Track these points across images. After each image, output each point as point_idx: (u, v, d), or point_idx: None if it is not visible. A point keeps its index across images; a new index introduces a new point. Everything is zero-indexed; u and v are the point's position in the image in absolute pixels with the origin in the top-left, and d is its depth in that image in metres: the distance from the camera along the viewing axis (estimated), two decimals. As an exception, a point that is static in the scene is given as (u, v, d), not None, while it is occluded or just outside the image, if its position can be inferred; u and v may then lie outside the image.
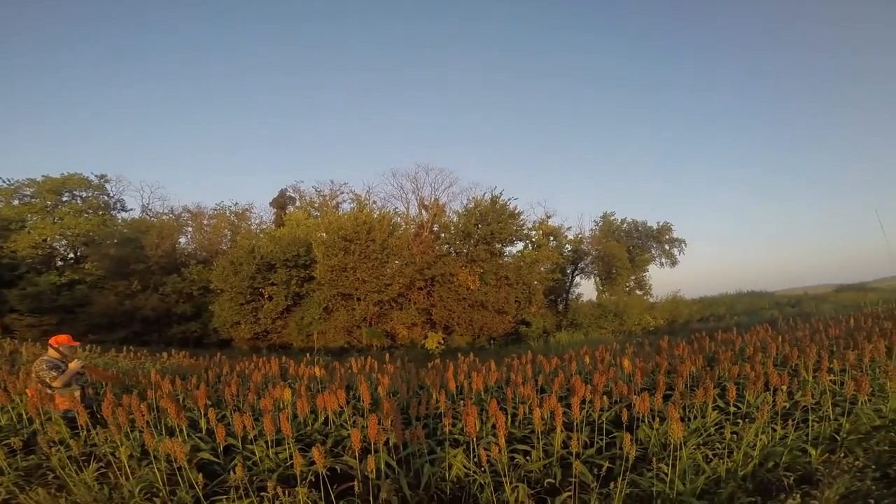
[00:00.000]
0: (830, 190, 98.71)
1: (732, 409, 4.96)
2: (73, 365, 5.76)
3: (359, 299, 25.21)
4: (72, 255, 32.83)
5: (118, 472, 4.03)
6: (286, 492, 3.55)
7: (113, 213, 34.67)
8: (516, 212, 27.39)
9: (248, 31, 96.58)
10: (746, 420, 4.67)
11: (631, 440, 3.67)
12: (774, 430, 4.43)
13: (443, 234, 28.88)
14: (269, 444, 4.45)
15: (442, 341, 24.49)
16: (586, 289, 52.14)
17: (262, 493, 3.63)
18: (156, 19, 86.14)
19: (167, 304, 28.50)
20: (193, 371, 9.35)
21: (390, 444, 4.34)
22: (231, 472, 3.74)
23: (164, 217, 36.38)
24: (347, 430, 4.97)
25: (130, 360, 12.55)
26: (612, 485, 3.61)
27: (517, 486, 3.70)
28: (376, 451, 3.85)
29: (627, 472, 3.66)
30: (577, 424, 4.49)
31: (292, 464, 3.51)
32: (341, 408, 5.25)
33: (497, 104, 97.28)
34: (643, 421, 4.73)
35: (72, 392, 5.59)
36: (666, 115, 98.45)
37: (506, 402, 5.52)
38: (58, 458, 4.19)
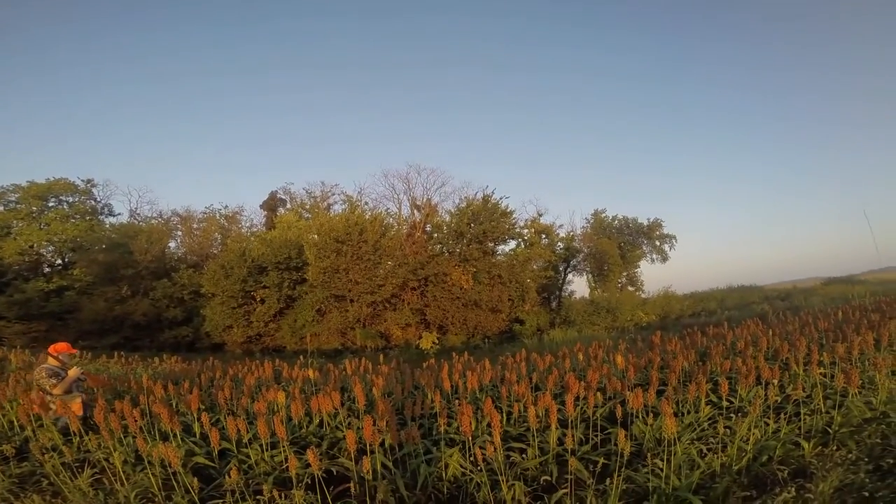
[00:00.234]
0: (818, 183, 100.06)
1: (725, 403, 5.01)
2: (73, 372, 5.80)
3: (352, 301, 25.12)
4: (59, 261, 32.42)
5: (113, 478, 3.99)
6: (282, 495, 3.54)
7: (100, 218, 34.31)
8: (508, 210, 27.46)
9: (235, 32, 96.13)
10: (739, 414, 4.70)
11: (625, 436, 3.69)
12: (767, 424, 4.47)
13: (435, 234, 28.88)
14: (265, 447, 4.43)
15: (436, 341, 24.48)
16: (579, 286, 52.55)
17: (258, 497, 3.62)
18: (142, 21, 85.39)
19: (158, 309, 28.26)
20: (186, 376, 9.28)
21: (386, 444, 4.34)
22: (226, 476, 3.72)
23: (152, 221, 36.07)
24: (343, 431, 4.95)
25: (122, 365, 12.41)
26: (608, 481, 3.62)
27: (514, 485, 3.70)
28: (372, 452, 3.85)
29: (623, 468, 3.68)
30: (571, 421, 4.51)
31: (288, 466, 3.49)
32: (336, 410, 5.24)
33: (488, 103, 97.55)
34: (637, 417, 4.76)
35: (72, 399, 5.60)
36: (654, 112, 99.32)
37: (501, 401, 5.53)
38: (51, 465, 4.15)
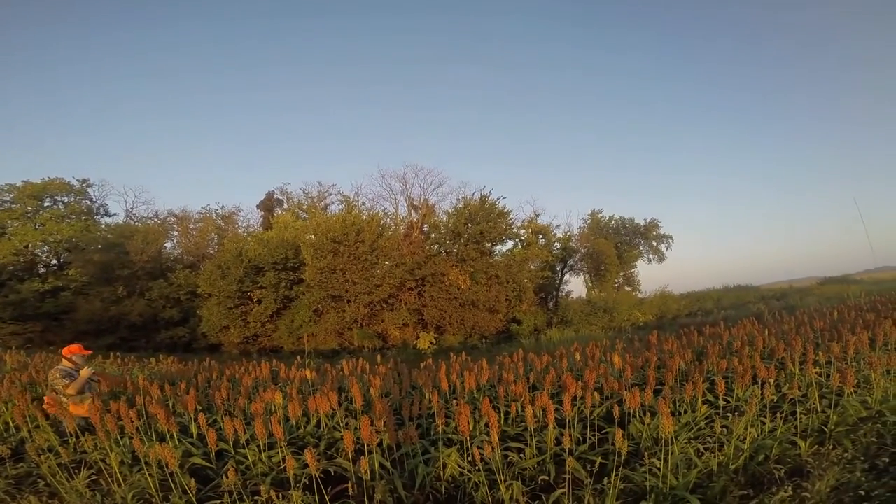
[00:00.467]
0: (814, 183, 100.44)
1: (722, 402, 5.02)
2: (84, 372, 5.88)
3: (349, 301, 25.09)
4: (55, 261, 32.20)
5: (110, 479, 3.98)
6: (280, 495, 3.53)
7: (96, 218, 34.06)
8: (505, 210, 27.51)
9: (232, 29, 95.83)
10: (736, 413, 4.72)
11: (623, 436, 3.70)
12: (763, 423, 4.49)
13: (433, 234, 28.87)
14: (262, 447, 4.42)
15: (434, 341, 24.47)
16: (576, 286, 52.64)
17: (256, 498, 3.61)
18: (139, 20, 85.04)
19: (154, 310, 28.15)
20: (182, 376, 9.24)
21: (384, 445, 4.34)
22: (224, 477, 3.71)
23: (148, 221, 35.96)
24: (340, 432, 4.95)
25: (118, 366, 12.36)
26: (605, 480, 3.63)
27: (511, 484, 3.70)
28: (370, 452, 3.84)
29: (620, 468, 3.69)
30: (569, 421, 4.52)
31: (286, 467, 3.49)
32: (333, 410, 5.23)
33: (486, 102, 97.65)
34: (634, 416, 4.77)
35: (84, 399, 5.69)
36: (651, 112, 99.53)
37: (498, 401, 5.53)
38: (48, 466, 4.13)
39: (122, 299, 28.34)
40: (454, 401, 5.98)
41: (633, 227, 39.22)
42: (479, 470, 3.79)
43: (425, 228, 29.41)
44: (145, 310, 27.83)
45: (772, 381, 5.08)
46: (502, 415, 5.19)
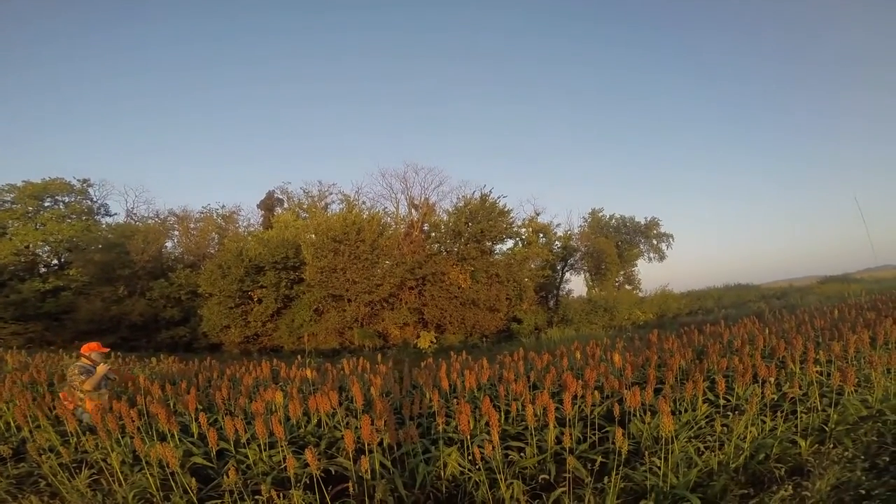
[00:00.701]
0: (815, 182, 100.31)
1: (722, 401, 5.02)
2: (101, 369, 6.04)
3: (349, 300, 25.10)
4: (55, 261, 32.25)
5: (111, 479, 3.99)
6: (281, 494, 3.54)
7: (97, 218, 34.11)
8: (506, 209, 27.48)
9: (232, 27, 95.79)
10: (736, 412, 4.72)
11: (623, 434, 3.71)
12: (764, 422, 4.49)
13: (433, 234, 28.85)
14: (263, 447, 4.42)
15: (434, 340, 24.47)
16: (576, 285, 52.61)
17: (256, 497, 3.61)
18: (140, 18, 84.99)
19: (155, 309, 28.18)
20: (183, 376, 9.26)
21: (384, 444, 4.34)
22: (225, 476, 3.71)
23: (149, 221, 35.93)
24: (341, 431, 4.95)
25: (119, 366, 12.37)
26: (606, 479, 3.63)
27: (512, 483, 3.71)
28: (370, 451, 3.84)
29: (621, 467, 3.69)
30: (569, 420, 4.52)
31: (286, 466, 3.49)
32: (334, 409, 5.24)
33: (486, 100, 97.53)
34: (635, 415, 4.77)
35: (101, 395, 5.89)
36: (651, 108, 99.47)
37: (499, 400, 5.53)
38: (49, 466, 4.14)
39: (122, 299, 28.38)
40: (455, 400, 5.98)
41: (634, 225, 39.22)
42: (479, 469, 3.79)
43: (426, 227, 29.40)
44: (146, 309, 27.86)
45: (772, 379, 5.08)
46: (503, 414, 5.19)
